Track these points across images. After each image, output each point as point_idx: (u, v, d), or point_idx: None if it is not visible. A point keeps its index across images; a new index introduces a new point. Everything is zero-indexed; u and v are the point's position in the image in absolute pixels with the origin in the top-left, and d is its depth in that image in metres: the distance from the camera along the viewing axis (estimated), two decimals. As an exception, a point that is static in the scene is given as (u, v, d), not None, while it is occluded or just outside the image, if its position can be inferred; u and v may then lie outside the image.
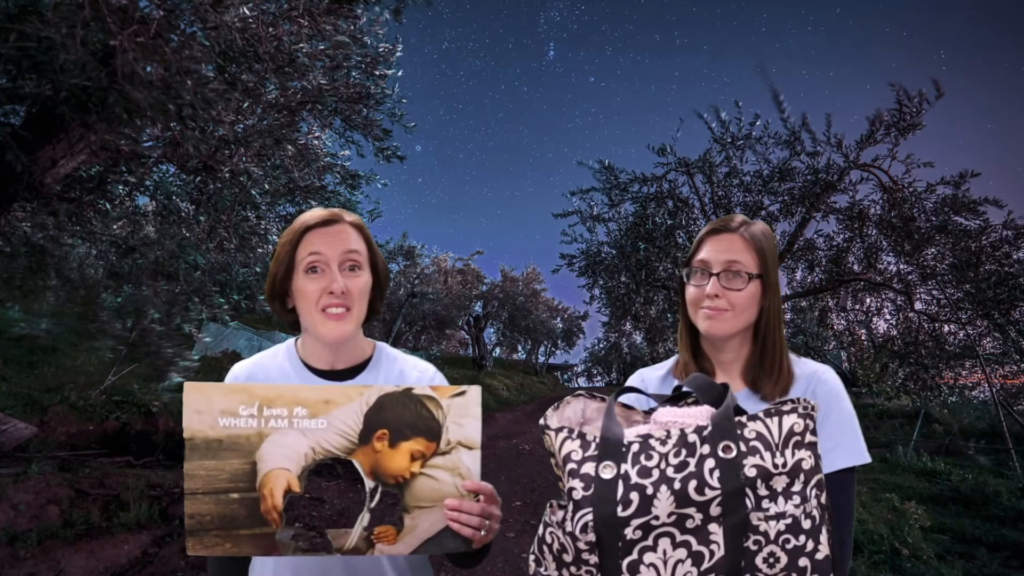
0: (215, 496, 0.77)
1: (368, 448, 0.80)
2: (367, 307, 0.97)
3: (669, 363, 1.11)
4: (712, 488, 0.68)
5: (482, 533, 0.83)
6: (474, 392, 0.82)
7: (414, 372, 1.04)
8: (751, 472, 0.69)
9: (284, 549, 0.79)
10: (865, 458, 0.90)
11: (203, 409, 0.77)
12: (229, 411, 0.77)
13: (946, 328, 5.80)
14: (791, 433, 0.72)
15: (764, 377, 0.97)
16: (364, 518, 0.80)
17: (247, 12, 2.80)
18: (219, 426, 0.77)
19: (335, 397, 0.79)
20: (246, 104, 3.54)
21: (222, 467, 0.77)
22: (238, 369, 1.01)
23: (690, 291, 0.99)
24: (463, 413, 0.81)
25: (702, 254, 0.98)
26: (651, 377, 1.10)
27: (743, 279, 0.94)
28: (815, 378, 0.96)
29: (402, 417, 0.80)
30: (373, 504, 0.81)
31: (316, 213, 0.95)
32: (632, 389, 0.91)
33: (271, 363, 1.01)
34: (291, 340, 1.05)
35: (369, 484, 0.80)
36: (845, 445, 0.90)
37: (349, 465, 0.80)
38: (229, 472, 0.77)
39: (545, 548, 0.77)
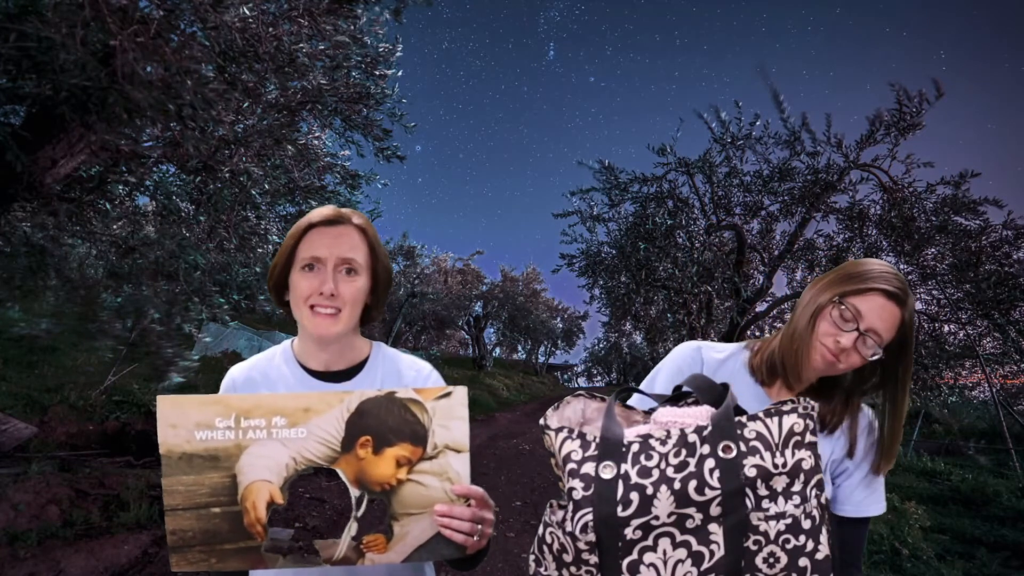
0: (196, 511, 0.75)
1: (351, 456, 0.77)
2: (361, 310, 0.97)
3: (734, 349, 1.06)
4: (712, 488, 0.68)
5: (475, 538, 0.80)
6: (460, 393, 0.79)
7: (410, 372, 1.04)
8: (751, 472, 0.69)
9: (271, 562, 0.77)
10: (884, 508, 1.00)
11: (178, 423, 0.74)
12: (205, 424, 0.75)
13: (946, 328, 5.80)
14: (791, 433, 0.72)
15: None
16: (352, 527, 0.78)
17: (247, 12, 2.80)
18: (196, 439, 0.75)
19: (314, 404, 0.77)
20: (246, 104, 3.54)
21: (201, 481, 0.75)
22: (236, 372, 1.01)
23: (826, 325, 0.92)
24: (449, 415, 0.78)
25: (864, 306, 0.90)
26: (711, 358, 1.05)
27: (876, 351, 0.90)
28: (872, 428, 1.00)
29: (385, 422, 0.77)
30: (360, 513, 0.78)
31: (323, 212, 0.95)
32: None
33: (268, 365, 1.01)
34: (287, 342, 1.04)
35: (355, 493, 0.77)
36: (877, 496, 0.99)
37: (334, 474, 0.78)
38: (209, 486, 0.75)
39: (545, 548, 0.77)
